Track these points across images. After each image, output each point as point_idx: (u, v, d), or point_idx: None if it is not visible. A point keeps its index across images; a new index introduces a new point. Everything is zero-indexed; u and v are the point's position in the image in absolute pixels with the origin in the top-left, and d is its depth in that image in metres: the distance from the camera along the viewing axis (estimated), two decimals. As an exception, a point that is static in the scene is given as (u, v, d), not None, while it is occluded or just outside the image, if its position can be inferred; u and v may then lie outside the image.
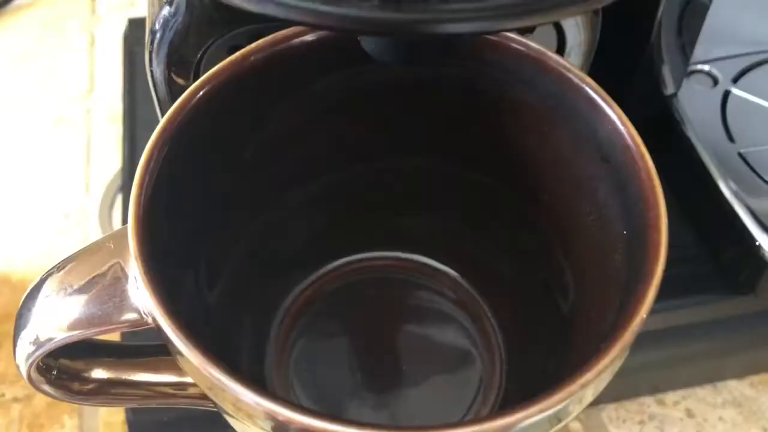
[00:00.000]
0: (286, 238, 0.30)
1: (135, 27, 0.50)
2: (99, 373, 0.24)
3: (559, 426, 0.21)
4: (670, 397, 0.41)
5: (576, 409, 0.21)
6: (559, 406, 0.19)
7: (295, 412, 0.19)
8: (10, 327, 0.42)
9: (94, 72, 0.54)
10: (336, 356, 0.31)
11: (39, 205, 0.47)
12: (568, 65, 0.24)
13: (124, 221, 0.41)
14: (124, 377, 0.25)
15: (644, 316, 0.19)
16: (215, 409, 0.25)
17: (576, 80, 0.24)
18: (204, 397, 0.25)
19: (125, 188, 0.41)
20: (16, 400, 0.40)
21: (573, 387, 0.18)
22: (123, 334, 0.34)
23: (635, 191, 0.22)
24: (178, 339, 0.19)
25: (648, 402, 0.40)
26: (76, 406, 0.40)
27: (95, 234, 0.46)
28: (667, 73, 0.40)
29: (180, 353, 0.19)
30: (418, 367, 0.31)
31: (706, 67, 0.42)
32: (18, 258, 0.45)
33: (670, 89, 0.40)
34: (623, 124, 0.23)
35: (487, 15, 0.17)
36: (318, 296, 0.32)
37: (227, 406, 0.20)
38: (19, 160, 0.49)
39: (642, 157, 0.22)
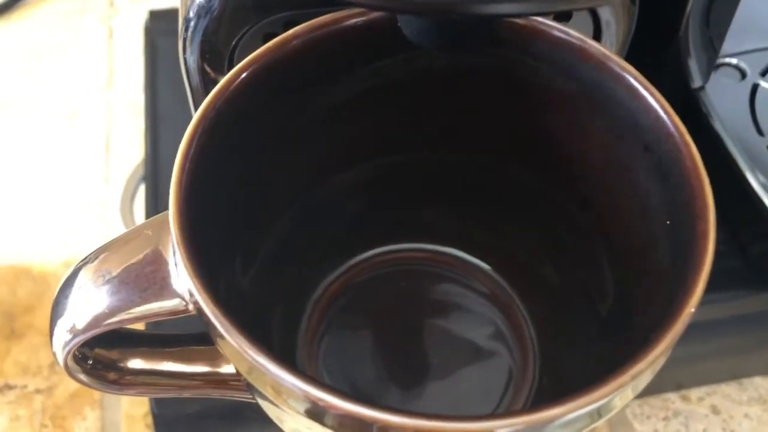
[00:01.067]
0: (318, 227, 0.29)
1: (156, 18, 0.49)
2: (134, 363, 0.24)
3: (599, 422, 0.21)
4: (695, 393, 0.40)
5: (619, 404, 0.21)
6: (607, 399, 0.19)
7: (336, 397, 0.18)
8: (31, 318, 0.42)
9: (112, 64, 0.54)
10: (365, 348, 0.31)
11: (58, 197, 0.47)
12: (608, 53, 0.24)
13: (147, 212, 0.41)
14: (158, 367, 0.24)
15: (694, 307, 0.19)
16: (249, 399, 0.25)
17: (617, 68, 0.24)
18: (237, 387, 0.25)
19: (148, 179, 0.41)
20: (38, 391, 0.40)
21: (624, 378, 0.18)
22: (146, 325, 0.34)
23: (679, 180, 0.22)
24: (222, 325, 0.19)
25: (672, 398, 0.40)
26: (97, 398, 0.40)
27: (115, 225, 0.46)
28: (694, 66, 0.39)
29: (222, 337, 0.19)
30: (448, 360, 0.31)
31: (734, 60, 0.42)
32: (38, 250, 0.45)
33: (697, 82, 0.40)
34: (666, 112, 0.23)
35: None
36: (348, 288, 0.32)
37: (266, 390, 0.20)
38: (39, 153, 0.49)
39: (686, 145, 0.22)
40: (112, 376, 0.24)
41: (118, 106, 0.51)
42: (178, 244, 0.19)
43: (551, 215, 0.28)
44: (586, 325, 0.27)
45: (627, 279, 0.24)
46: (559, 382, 0.28)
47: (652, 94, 0.23)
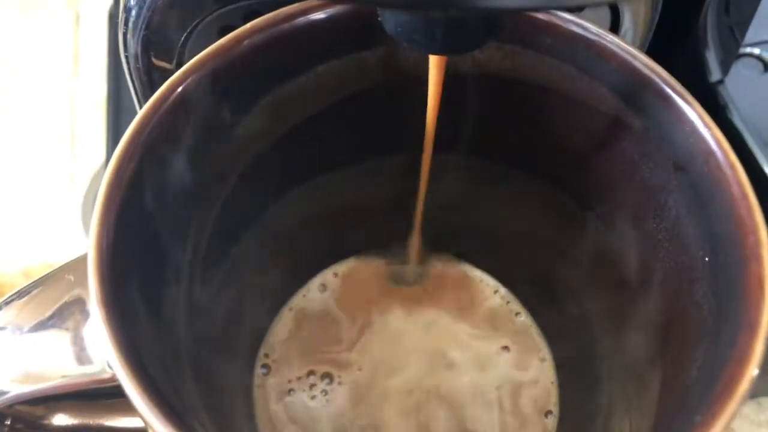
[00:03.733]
0: (277, 250, 0.25)
1: (121, 3, 0.45)
2: (61, 419, 0.20)
3: None
4: (711, 414, 0.37)
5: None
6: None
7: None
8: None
9: (78, 53, 0.50)
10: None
11: (21, 198, 0.43)
12: (634, 51, 0.20)
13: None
14: (88, 422, 0.21)
15: (747, 386, 0.15)
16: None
17: (644, 70, 0.20)
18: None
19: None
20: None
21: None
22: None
23: (723, 209, 0.18)
24: (147, 408, 0.15)
25: (687, 420, 0.37)
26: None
27: (79, 228, 0.42)
28: (712, 57, 0.36)
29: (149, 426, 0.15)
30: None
31: (756, 51, 0.38)
32: (-1, 251, 0.41)
33: (715, 75, 0.37)
34: (706, 125, 0.19)
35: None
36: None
37: None
38: (1, 147, 0.44)
39: (732, 166, 0.18)
40: (34, 437, 0.20)
41: (83, 98, 0.48)
42: (98, 305, 0.15)
43: (561, 235, 0.24)
44: (609, 370, 0.23)
45: (655, 324, 0.20)
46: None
47: (688, 103, 0.19)
